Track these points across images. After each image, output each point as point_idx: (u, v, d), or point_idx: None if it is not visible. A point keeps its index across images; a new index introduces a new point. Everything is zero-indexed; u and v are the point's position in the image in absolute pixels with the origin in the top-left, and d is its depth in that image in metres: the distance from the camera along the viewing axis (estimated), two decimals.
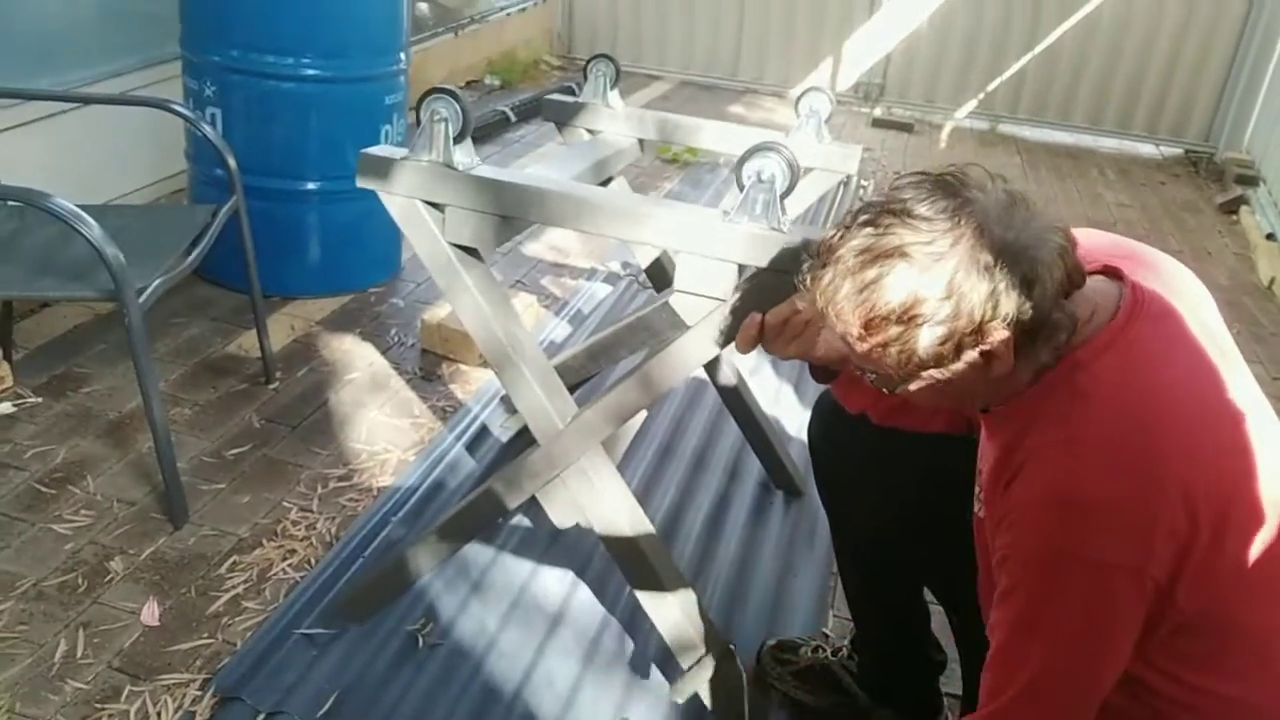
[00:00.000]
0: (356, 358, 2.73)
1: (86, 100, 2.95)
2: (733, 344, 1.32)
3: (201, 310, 2.86)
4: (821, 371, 1.43)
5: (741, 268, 1.29)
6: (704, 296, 1.30)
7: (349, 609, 1.77)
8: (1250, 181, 5.04)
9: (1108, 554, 1.00)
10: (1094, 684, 1.06)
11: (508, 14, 6.05)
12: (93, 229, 1.83)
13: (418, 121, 1.37)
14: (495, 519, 1.78)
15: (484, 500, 1.54)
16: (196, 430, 2.34)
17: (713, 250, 1.27)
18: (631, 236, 1.35)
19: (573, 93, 2.01)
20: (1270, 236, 4.34)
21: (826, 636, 1.86)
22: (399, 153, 1.40)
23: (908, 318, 0.97)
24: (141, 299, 1.90)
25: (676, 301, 1.32)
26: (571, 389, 1.83)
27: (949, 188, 1.00)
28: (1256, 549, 1.05)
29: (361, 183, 1.40)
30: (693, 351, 1.34)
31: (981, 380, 1.04)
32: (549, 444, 1.44)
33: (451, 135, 1.36)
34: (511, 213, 1.35)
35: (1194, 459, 1.02)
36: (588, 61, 2.01)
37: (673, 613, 1.54)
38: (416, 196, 1.38)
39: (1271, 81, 5.30)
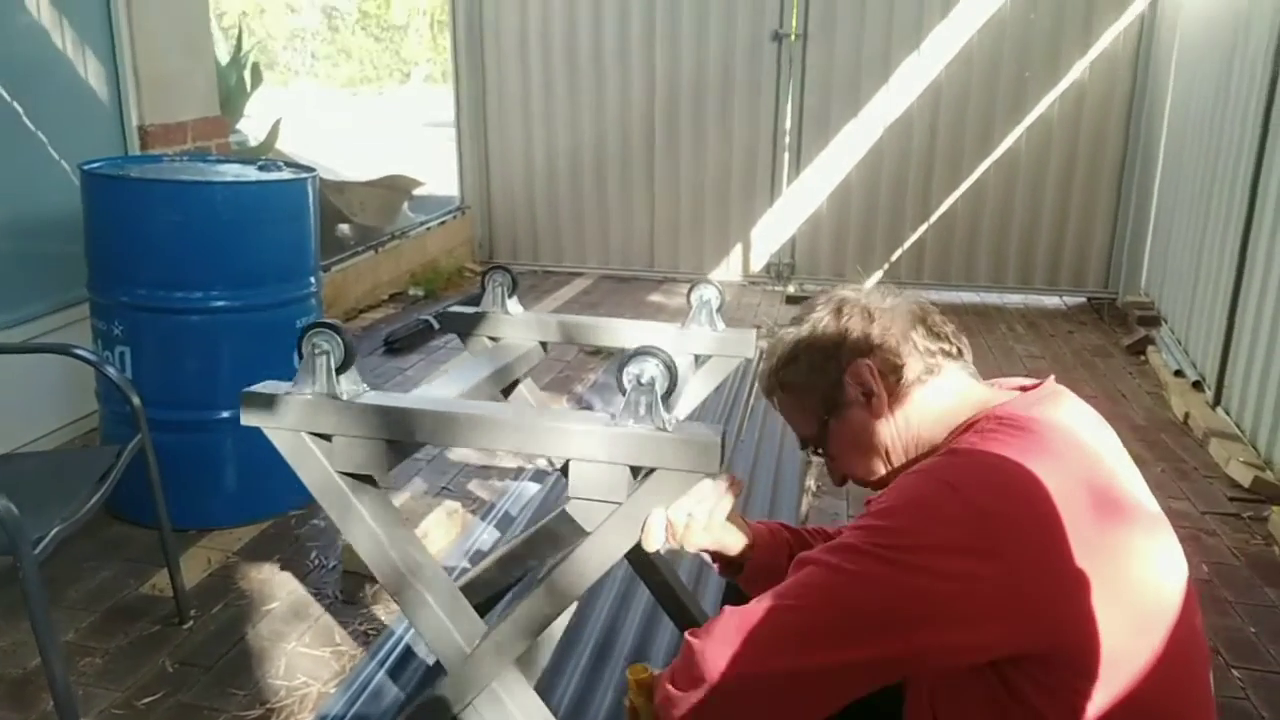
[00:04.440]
0: (276, 586, 2.64)
1: None
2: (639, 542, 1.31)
3: (116, 551, 2.77)
4: (726, 565, 1.43)
5: (634, 469, 1.29)
6: (600, 501, 1.30)
7: None
8: (1153, 322, 5.26)
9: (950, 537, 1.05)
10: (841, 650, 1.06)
11: (428, 228, 6.25)
12: None
13: (300, 356, 1.38)
14: None
15: None
16: (106, 680, 2.22)
17: (602, 455, 1.28)
18: (521, 449, 1.35)
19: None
20: (1178, 373, 4.49)
21: None
22: (282, 387, 1.40)
23: (793, 358, 1.31)
24: (37, 550, 1.84)
25: (574, 509, 1.32)
26: (491, 602, 1.78)
27: (832, 290, 1.36)
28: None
29: (246, 420, 1.39)
30: (596, 556, 1.32)
31: (872, 425, 1.26)
32: (457, 670, 1.39)
33: (334, 366, 1.37)
34: (399, 437, 1.35)
35: (1045, 532, 1.05)
36: (484, 273, 2.06)
37: None
38: (302, 429, 1.37)
39: (1156, 224, 5.63)
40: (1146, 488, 1.21)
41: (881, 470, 1.30)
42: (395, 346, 4.76)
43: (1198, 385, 4.29)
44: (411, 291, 5.84)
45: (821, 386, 1.28)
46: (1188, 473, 3.56)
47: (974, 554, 1.02)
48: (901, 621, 1.04)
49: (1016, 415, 1.16)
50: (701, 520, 1.31)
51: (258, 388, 1.39)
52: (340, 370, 1.36)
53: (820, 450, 1.33)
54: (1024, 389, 1.28)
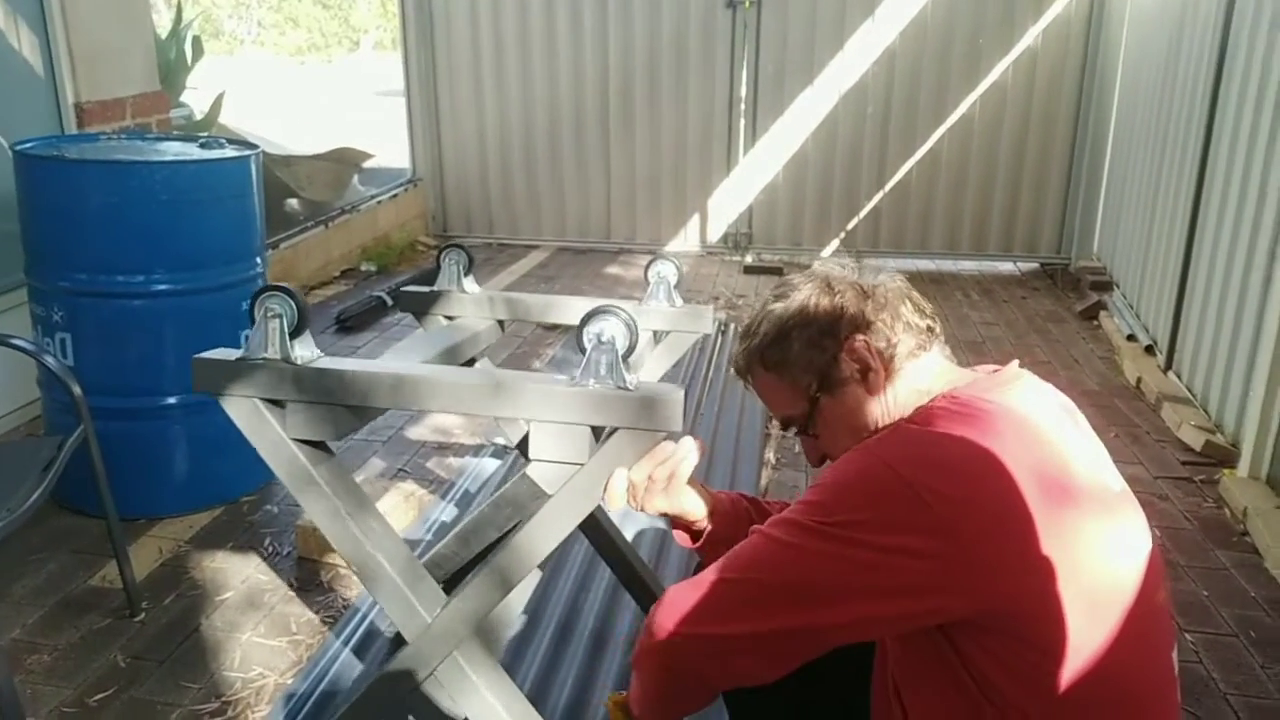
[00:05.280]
0: (229, 575, 2.57)
1: None
2: (604, 509, 1.29)
3: (63, 542, 2.68)
4: (685, 531, 1.42)
5: (595, 429, 1.26)
6: (561, 463, 1.27)
7: None
8: (1104, 287, 5.30)
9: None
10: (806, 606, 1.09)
11: (379, 202, 6.13)
12: None
13: (252, 322, 1.33)
14: None
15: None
16: (56, 678, 2.15)
17: (563, 415, 1.24)
18: (481, 411, 1.31)
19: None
20: (1131, 337, 4.53)
21: None
22: (234, 354, 1.35)
23: (782, 335, 1.26)
24: None
25: (534, 471, 1.29)
26: (454, 579, 1.74)
27: (808, 268, 1.34)
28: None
29: (198, 389, 1.34)
30: (558, 519, 1.29)
31: (866, 401, 1.24)
32: (418, 639, 1.36)
33: (287, 330, 1.32)
34: (355, 401, 1.31)
35: (978, 506, 1.06)
36: (440, 251, 2.01)
37: None
38: (256, 396, 1.32)
39: (1108, 191, 5.67)
40: (1111, 468, 1.21)
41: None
42: (348, 324, 4.66)
43: (1150, 350, 4.33)
44: (364, 267, 5.74)
45: (818, 363, 1.25)
46: (1140, 437, 3.58)
47: (907, 529, 1.05)
48: (834, 593, 1.08)
49: (970, 398, 1.17)
50: (661, 482, 1.29)
51: (208, 354, 1.35)
52: (294, 335, 1.31)
53: (804, 430, 1.30)
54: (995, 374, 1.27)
